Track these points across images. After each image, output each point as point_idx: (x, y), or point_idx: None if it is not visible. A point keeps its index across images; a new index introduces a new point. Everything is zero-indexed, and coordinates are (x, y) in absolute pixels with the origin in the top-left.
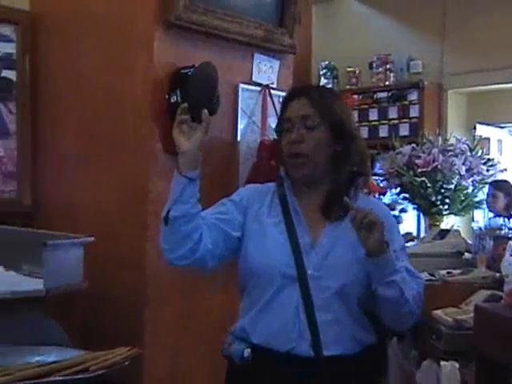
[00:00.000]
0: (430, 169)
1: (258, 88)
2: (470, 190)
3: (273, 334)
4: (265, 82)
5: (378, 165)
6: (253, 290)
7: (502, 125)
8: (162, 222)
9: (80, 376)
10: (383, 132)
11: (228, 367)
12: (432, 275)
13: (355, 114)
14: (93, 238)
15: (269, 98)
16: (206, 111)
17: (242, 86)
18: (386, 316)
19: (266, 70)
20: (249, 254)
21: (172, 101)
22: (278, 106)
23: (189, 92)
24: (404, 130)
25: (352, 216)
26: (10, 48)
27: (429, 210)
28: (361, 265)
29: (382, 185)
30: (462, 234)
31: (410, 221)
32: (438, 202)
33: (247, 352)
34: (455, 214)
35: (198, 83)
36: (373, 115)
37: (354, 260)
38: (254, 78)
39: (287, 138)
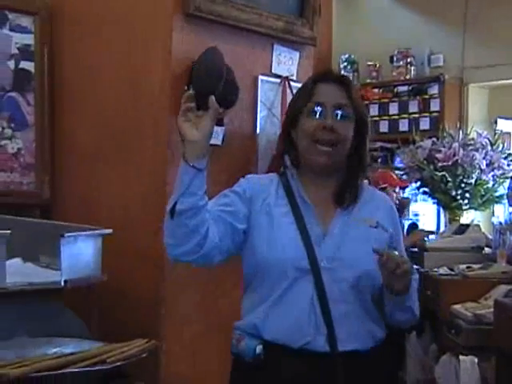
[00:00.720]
0: (450, 163)
1: (278, 80)
2: (490, 184)
3: (288, 329)
4: (284, 74)
5: (398, 159)
6: (261, 285)
7: None
8: (167, 216)
9: (97, 368)
10: (403, 126)
11: (234, 365)
12: (451, 270)
13: (375, 108)
14: (111, 230)
15: (288, 90)
16: (212, 98)
17: (261, 77)
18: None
19: (286, 61)
20: (257, 248)
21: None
22: None
23: (193, 79)
24: (424, 124)
25: (381, 261)
26: (28, 39)
27: (449, 205)
28: (375, 257)
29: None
30: (482, 229)
31: (429, 215)
32: (458, 197)
33: (259, 348)
34: (475, 209)
35: (202, 69)
36: (393, 109)
37: (368, 251)
38: (273, 70)
39: (317, 123)
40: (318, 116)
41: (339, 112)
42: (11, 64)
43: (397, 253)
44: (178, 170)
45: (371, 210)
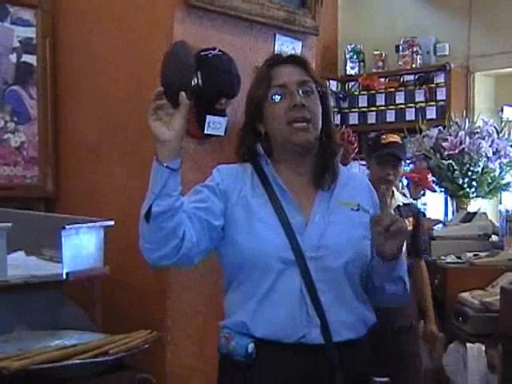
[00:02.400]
0: (456, 151)
1: None
2: (497, 172)
3: (280, 323)
4: None
5: None
6: (246, 280)
7: None
8: (143, 220)
9: (99, 359)
10: (410, 115)
11: (222, 366)
12: (459, 258)
13: (382, 98)
14: (112, 222)
15: None
16: (183, 94)
17: None
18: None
19: (289, 51)
20: (238, 243)
21: (193, 84)
22: None
23: (162, 75)
24: (431, 113)
25: (374, 219)
26: (30, 32)
27: (456, 193)
28: (361, 240)
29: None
30: (489, 217)
31: (437, 204)
32: (465, 185)
33: (251, 347)
34: (482, 197)
35: (170, 65)
36: (399, 98)
37: (353, 235)
38: None
39: (286, 104)
40: (284, 98)
41: (303, 88)
42: (13, 57)
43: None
44: (151, 172)
45: (350, 192)
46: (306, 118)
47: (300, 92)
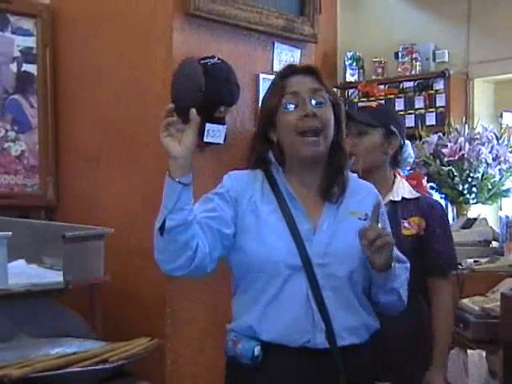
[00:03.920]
0: (456, 158)
1: None
2: (497, 178)
3: (285, 328)
4: None
5: None
6: (253, 285)
7: None
8: (157, 233)
9: (99, 367)
10: (410, 122)
11: (229, 368)
12: (459, 264)
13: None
14: (112, 230)
15: None
16: (193, 110)
17: (262, 75)
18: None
19: (287, 59)
20: (247, 249)
21: None
22: None
23: (172, 92)
24: (430, 120)
25: (361, 232)
26: (30, 42)
27: (456, 199)
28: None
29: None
30: (490, 223)
31: None
32: (465, 191)
33: (258, 350)
34: (482, 203)
35: (180, 82)
36: (399, 105)
37: (358, 245)
38: (274, 68)
39: (298, 113)
40: (296, 106)
41: (316, 98)
42: (14, 67)
43: (380, 225)
44: (164, 187)
45: (358, 201)
46: (317, 129)
47: (312, 101)
